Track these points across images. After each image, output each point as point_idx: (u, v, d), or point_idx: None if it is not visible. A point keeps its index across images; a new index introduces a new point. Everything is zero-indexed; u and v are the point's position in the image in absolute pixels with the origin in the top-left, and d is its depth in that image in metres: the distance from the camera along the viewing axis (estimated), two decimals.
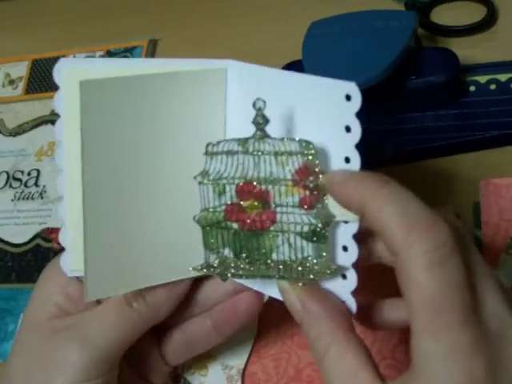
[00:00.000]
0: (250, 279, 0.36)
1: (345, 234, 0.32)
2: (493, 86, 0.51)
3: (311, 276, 0.33)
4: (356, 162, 0.31)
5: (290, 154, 0.32)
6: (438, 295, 0.27)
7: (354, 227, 0.32)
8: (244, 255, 0.35)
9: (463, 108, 0.51)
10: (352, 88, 0.31)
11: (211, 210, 0.35)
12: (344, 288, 0.33)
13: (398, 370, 0.41)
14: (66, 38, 0.68)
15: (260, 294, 0.38)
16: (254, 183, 0.33)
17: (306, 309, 0.32)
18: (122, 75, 0.34)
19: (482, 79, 0.51)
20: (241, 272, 0.35)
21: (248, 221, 0.34)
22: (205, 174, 0.35)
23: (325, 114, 0.32)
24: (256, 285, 0.37)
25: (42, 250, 0.56)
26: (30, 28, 0.71)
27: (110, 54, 0.64)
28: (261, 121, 0.33)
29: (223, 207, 0.35)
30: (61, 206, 0.38)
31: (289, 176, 0.33)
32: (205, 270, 0.36)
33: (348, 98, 0.31)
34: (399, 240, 0.28)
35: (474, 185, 0.46)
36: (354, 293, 0.32)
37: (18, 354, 0.39)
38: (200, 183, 0.35)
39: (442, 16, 0.57)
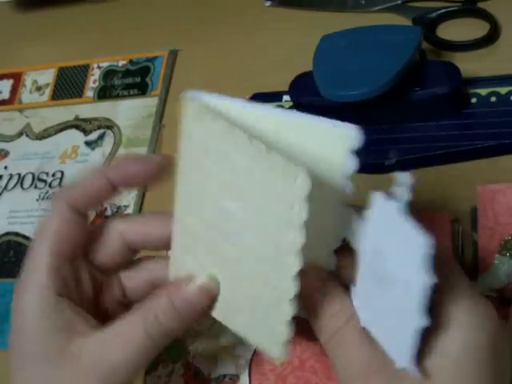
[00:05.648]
0: None
1: None
2: (493, 99, 0.53)
3: None
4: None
5: None
6: None
7: None
8: None
9: (465, 119, 0.53)
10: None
11: None
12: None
13: None
14: (91, 47, 0.71)
15: None
16: None
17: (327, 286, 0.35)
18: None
19: (483, 92, 0.53)
20: None
21: None
22: None
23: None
24: None
25: None
26: (56, 38, 0.74)
27: (132, 63, 0.67)
28: None
29: None
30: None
31: None
32: None
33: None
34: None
35: (473, 191, 0.49)
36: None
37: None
38: None
39: (447, 31, 0.59)
